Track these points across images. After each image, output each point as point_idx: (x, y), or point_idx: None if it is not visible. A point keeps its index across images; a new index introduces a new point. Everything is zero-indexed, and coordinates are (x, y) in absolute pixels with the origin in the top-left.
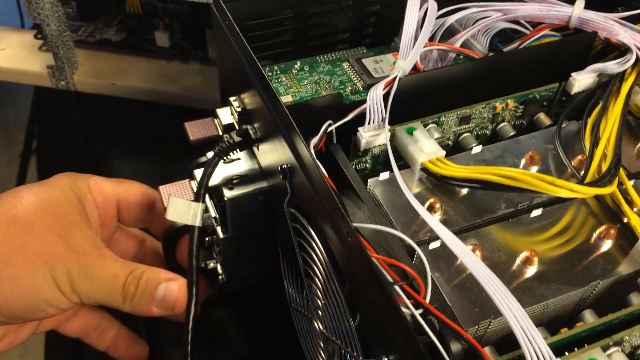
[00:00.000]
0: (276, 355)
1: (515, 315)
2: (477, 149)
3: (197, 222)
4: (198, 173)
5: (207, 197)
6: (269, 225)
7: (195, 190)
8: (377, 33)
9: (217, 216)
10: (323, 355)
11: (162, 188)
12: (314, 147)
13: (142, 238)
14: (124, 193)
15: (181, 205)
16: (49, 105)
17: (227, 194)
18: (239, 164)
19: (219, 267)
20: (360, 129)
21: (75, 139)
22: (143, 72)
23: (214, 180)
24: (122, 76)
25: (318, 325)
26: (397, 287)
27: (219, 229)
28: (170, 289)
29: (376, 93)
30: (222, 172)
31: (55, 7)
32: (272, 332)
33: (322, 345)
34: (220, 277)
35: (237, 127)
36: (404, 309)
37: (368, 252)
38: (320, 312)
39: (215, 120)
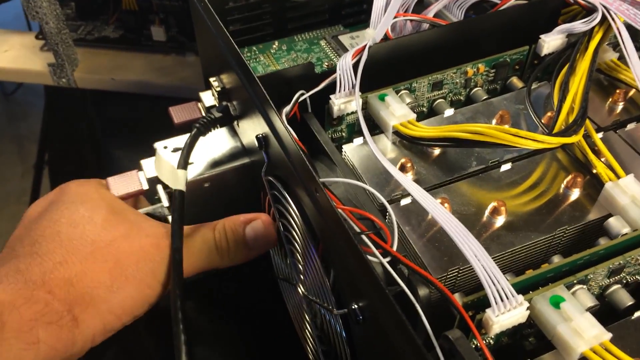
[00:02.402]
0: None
1: (477, 255)
2: (448, 112)
3: (182, 187)
4: (145, 163)
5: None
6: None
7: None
8: (356, 13)
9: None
10: (307, 318)
11: (110, 179)
12: (285, 115)
13: None
14: None
15: (167, 167)
16: (60, 111)
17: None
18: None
19: None
20: (332, 96)
21: (84, 139)
22: (141, 66)
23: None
24: (121, 71)
25: (301, 289)
26: (364, 237)
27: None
28: (257, 227)
29: (345, 61)
30: (171, 159)
31: (53, 5)
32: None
33: (305, 307)
34: None
35: (217, 106)
36: (372, 258)
37: (334, 204)
38: (301, 276)
39: (199, 103)
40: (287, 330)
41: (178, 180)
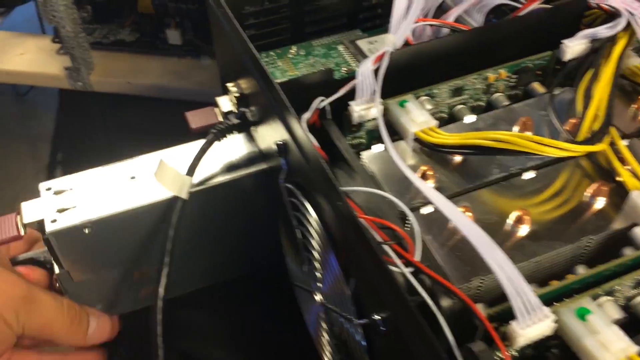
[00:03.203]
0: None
1: (502, 266)
2: (470, 118)
3: (183, 195)
4: (25, 207)
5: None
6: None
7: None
8: (373, 17)
9: None
10: (324, 326)
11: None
12: (305, 122)
13: None
14: None
15: (170, 172)
16: (73, 113)
17: (49, 228)
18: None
19: None
20: (351, 102)
21: (97, 140)
22: (156, 69)
23: (37, 215)
24: (137, 74)
25: (318, 296)
26: (386, 247)
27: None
28: (102, 318)
29: (366, 67)
30: (54, 202)
31: (70, 9)
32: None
33: (323, 316)
34: None
35: (236, 112)
36: (394, 269)
37: (356, 213)
38: (319, 284)
39: (216, 108)
40: (302, 336)
41: (181, 187)
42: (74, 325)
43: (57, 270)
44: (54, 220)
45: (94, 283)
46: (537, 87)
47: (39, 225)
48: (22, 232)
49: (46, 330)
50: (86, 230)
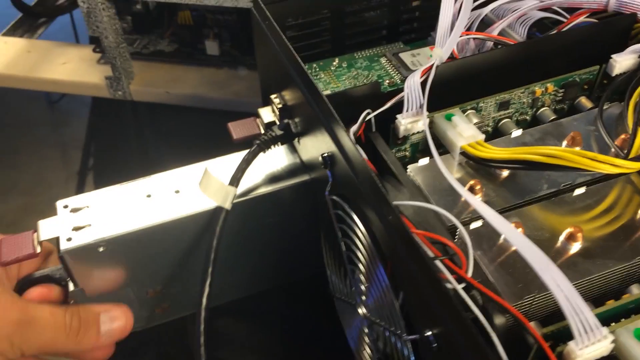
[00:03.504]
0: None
1: (559, 284)
2: (516, 132)
3: (227, 205)
4: (42, 225)
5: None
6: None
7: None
8: (414, 29)
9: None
10: (367, 340)
11: (3, 240)
12: (353, 134)
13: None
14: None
15: (214, 183)
16: (105, 120)
17: (64, 246)
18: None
19: None
20: (398, 116)
21: (130, 148)
22: (194, 79)
23: (53, 232)
24: (175, 84)
25: (362, 310)
26: (438, 262)
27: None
28: (115, 314)
29: (413, 80)
30: (70, 220)
31: (113, 20)
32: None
33: (366, 330)
34: None
35: (278, 123)
36: (446, 284)
37: (408, 228)
38: (363, 297)
39: (257, 119)
40: (341, 349)
41: (225, 198)
42: (80, 335)
43: (71, 287)
44: (69, 239)
45: (109, 301)
46: (584, 101)
47: (55, 242)
48: (37, 250)
49: (48, 349)
50: (100, 249)
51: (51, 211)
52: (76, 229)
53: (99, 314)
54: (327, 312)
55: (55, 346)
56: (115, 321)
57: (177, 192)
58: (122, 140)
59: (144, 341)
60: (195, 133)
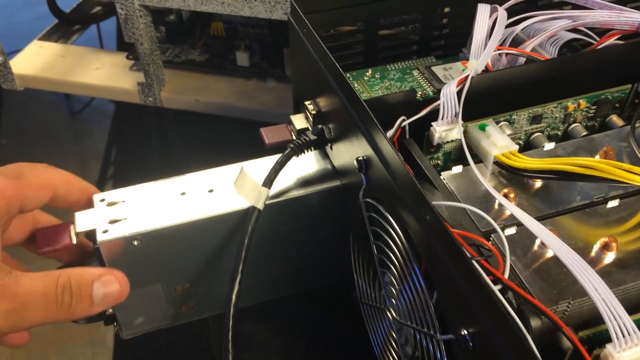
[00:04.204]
0: None
1: (597, 289)
2: (549, 145)
3: (260, 205)
4: (79, 216)
5: None
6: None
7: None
8: (444, 46)
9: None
10: (395, 346)
11: (39, 232)
12: (390, 139)
13: (35, 215)
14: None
15: (249, 183)
16: (126, 130)
17: (100, 238)
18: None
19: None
20: (433, 123)
21: (153, 156)
22: (224, 89)
23: (90, 225)
24: (205, 93)
25: (391, 313)
26: (474, 263)
27: None
28: (109, 283)
29: (450, 89)
30: (106, 213)
31: (149, 27)
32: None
33: (394, 335)
34: (115, 325)
35: (312, 129)
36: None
37: (447, 227)
38: (393, 300)
39: (289, 126)
40: (366, 355)
41: (258, 198)
42: (72, 309)
43: None
44: (106, 231)
45: (138, 295)
46: (616, 119)
47: (91, 235)
48: (74, 241)
49: (39, 324)
50: (135, 242)
51: (68, 218)
52: (112, 222)
53: (92, 282)
54: (350, 318)
55: (47, 321)
56: (110, 288)
57: (210, 191)
58: (144, 149)
59: (156, 345)
60: (221, 141)
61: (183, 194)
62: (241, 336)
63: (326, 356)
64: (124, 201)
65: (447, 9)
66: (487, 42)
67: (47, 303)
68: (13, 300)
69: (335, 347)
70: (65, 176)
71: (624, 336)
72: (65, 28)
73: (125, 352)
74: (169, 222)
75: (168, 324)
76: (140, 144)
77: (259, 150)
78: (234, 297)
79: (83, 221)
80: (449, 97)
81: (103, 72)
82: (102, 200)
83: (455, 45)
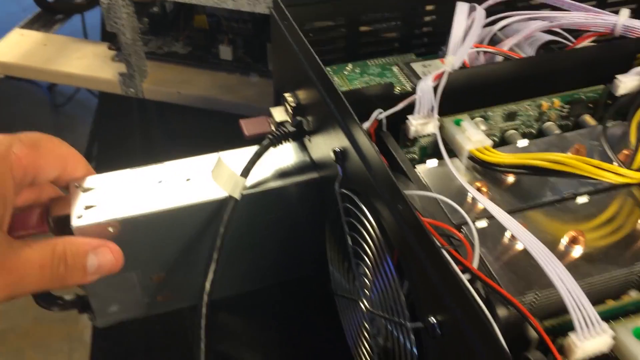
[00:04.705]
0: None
1: (562, 279)
2: (522, 142)
3: (236, 195)
4: (54, 201)
5: None
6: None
7: None
8: (425, 44)
9: None
10: (367, 337)
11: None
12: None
13: (42, 187)
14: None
15: (226, 172)
16: (110, 123)
17: (75, 223)
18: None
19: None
20: (409, 116)
21: (136, 149)
22: (206, 82)
23: (65, 210)
24: (187, 85)
25: (364, 304)
26: (444, 252)
27: None
28: (103, 256)
29: (426, 84)
30: (82, 199)
31: (132, 17)
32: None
33: (367, 326)
34: (89, 313)
35: (291, 121)
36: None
37: (418, 215)
38: (367, 291)
39: (269, 118)
40: (339, 347)
41: (235, 187)
42: (66, 279)
43: None
44: (80, 217)
45: (112, 283)
46: (588, 119)
47: (66, 220)
48: (49, 226)
49: (33, 292)
50: (110, 229)
51: None
52: (87, 207)
53: (87, 254)
54: (325, 310)
55: (39, 289)
56: (103, 260)
57: (188, 180)
58: (127, 143)
59: (134, 341)
60: (204, 134)
61: (160, 182)
62: (216, 328)
63: (300, 348)
64: (100, 187)
65: (429, 7)
66: (465, 40)
67: (42, 274)
68: (11, 273)
69: (309, 339)
70: (75, 153)
71: (587, 326)
72: (47, 17)
73: (103, 349)
74: (145, 210)
75: (143, 314)
76: (124, 137)
77: (241, 143)
78: (207, 285)
79: (58, 206)
80: (425, 92)
81: (84, 62)
82: (78, 185)
83: (437, 43)
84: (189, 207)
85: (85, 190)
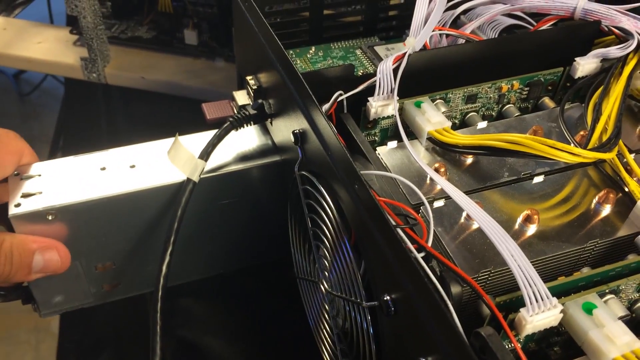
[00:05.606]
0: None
1: (514, 256)
2: (482, 124)
3: (195, 177)
4: None
5: None
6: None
7: None
8: (390, 28)
9: None
10: (327, 318)
11: None
12: (325, 112)
13: None
14: None
15: (184, 154)
16: (76, 112)
17: (12, 211)
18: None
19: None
20: (370, 98)
21: (101, 136)
22: (171, 67)
23: (2, 198)
24: (151, 71)
25: (324, 286)
26: (400, 231)
27: None
28: (49, 257)
29: (386, 65)
30: (20, 187)
31: (93, 0)
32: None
33: (327, 307)
34: (33, 304)
35: (252, 103)
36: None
37: (374, 195)
38: (326, 273)
39: (232, 102)
40: (302, 329)
41: (194, 170)
42: (10, 277)
43: None
44: (18, 205)
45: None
46: (548, 101)
47: (3, 208)
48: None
49: None
50: (49, 217)
51: None
52: (25, 195)
53: (34, 253)
54: (290, 295)
55: None
56: (49, 259)
57: (132, 166)
58: (93, 131)
59: (102, 332)
60: (169, 119)
61: (103, 169)
62: (180, 313)
63: (264, 332)
64: (40, 175)
65: None
66: (427, 23)
67: None
68: None
69: (273, 323)
70: (29, 149)
71: (537, 301)
72: (7, 1)
73: (71, 339)
74: (85, 197)
75: (91, 303)
76: (90, 125)
77: (206, 128)
78: (164, 268)
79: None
80: (385, 74)
81: (45, 46)
82: (17, 174)
83: (402, 27)
84: (131, 194)
85: (25, 178)
